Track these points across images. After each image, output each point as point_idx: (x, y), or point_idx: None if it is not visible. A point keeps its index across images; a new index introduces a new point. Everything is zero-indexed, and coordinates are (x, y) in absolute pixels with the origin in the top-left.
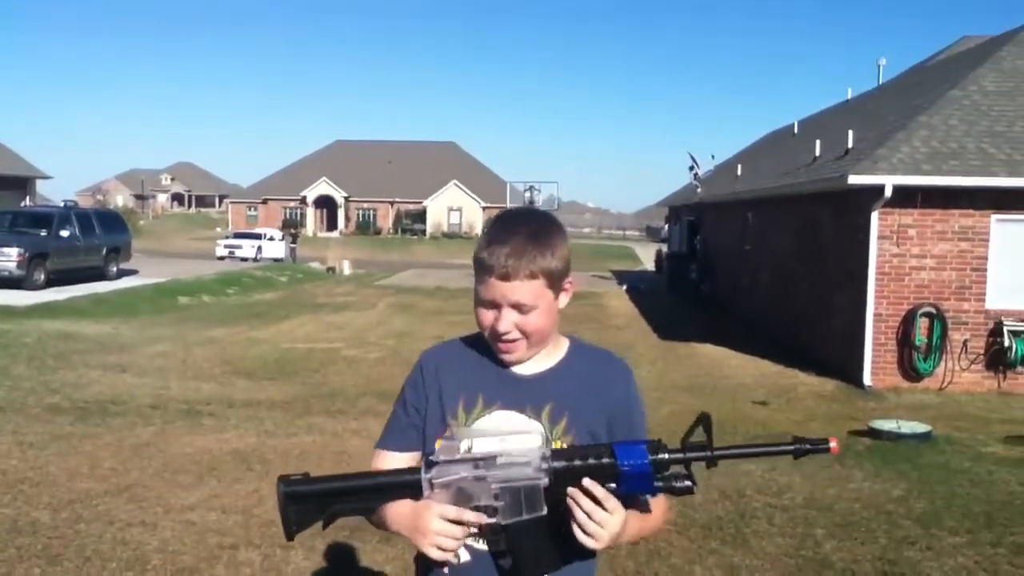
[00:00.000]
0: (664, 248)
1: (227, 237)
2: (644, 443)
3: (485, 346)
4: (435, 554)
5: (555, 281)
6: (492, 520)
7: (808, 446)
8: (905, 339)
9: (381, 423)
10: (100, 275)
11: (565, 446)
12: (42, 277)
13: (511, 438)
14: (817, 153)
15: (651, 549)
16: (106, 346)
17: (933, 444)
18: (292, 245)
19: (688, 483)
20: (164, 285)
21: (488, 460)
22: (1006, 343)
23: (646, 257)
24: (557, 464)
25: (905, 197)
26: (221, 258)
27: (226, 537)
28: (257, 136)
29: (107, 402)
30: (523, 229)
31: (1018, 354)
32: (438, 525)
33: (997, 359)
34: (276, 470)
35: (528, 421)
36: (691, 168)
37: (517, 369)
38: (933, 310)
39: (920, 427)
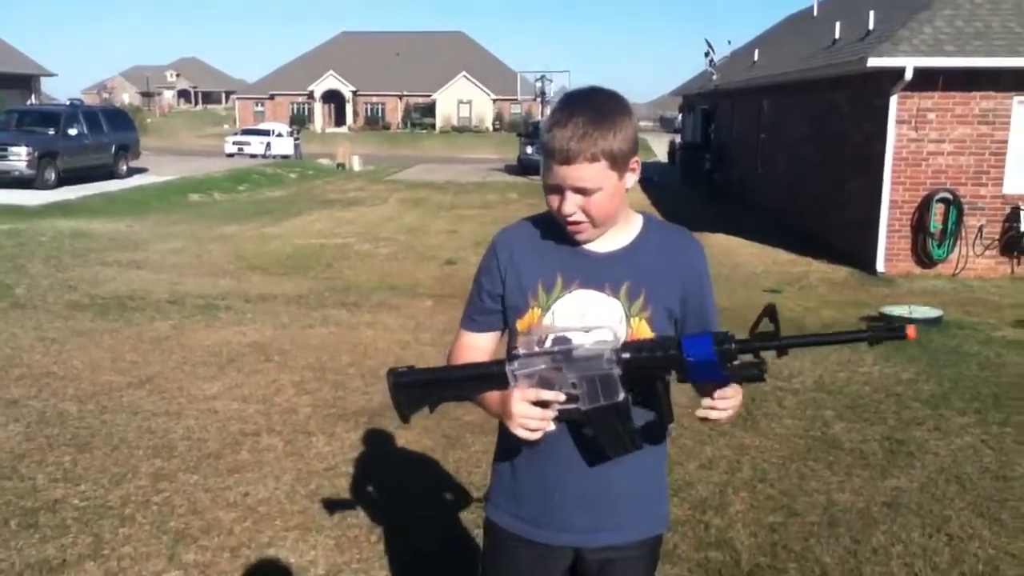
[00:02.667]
0: (678, 139)
1: (235, 134)
2: (710, 335)
3: (557, 224)
4: (523, 434)
5: (619, 162)
6: (574, 405)
7: (885, 332)
8: (920, 225)
9: (395, 316)
10: (110, 174)
11: (644, 321)
12: (53, 176)
13: (587, 334)
14: (837, 36)
15: None
16: (121, 244)
17: (944, 329)
18: (297, 141)
19: (756, 371)
20: (174, 183)
21: (564, 353)
22: (1022, 228)
23: (659, 148)
24: (627, 355)
25: (926, 80)
26: (230, 155)
27: (248, 424)
28: (262, 29)
29: (125, 298)
30: (584, 110)
31: None
32: (521, 408)
33: (1012, 244)
34: (294, 361)
35: (607, 299)
36: (707, 55)
37: (592, 247)
38: (949, 196)
39: (931, 312)
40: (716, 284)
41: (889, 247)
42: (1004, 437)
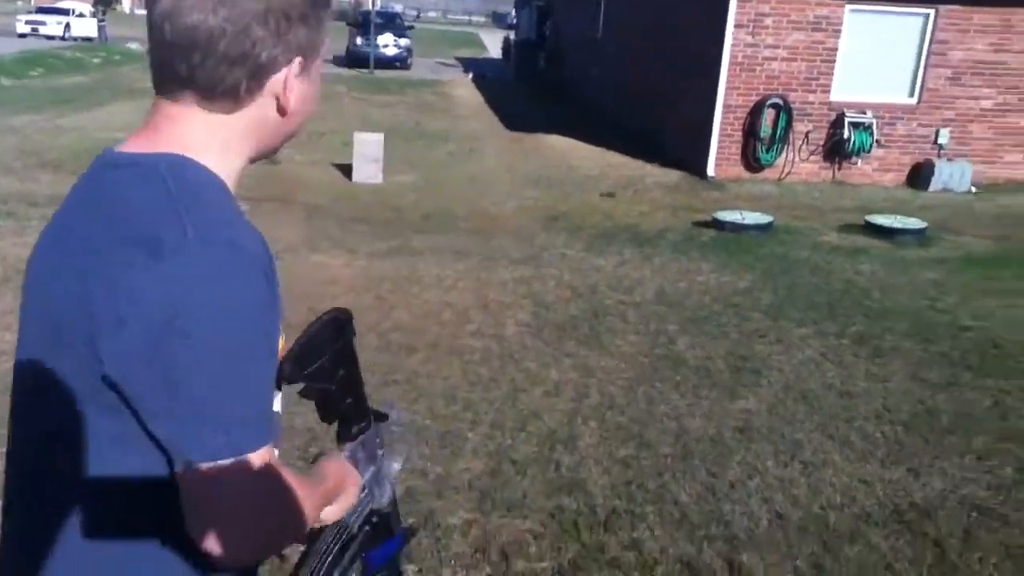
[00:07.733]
0: (512, 35)
1: (29, 12)
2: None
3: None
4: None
5: None
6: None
7: None
8: (751, 130)
9: None
10: None
11: None
12: None
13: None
14: None
15: (505, 353)
16: None
17: (774, 235)
18: (102, 22)
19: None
20: None
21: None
22: (845, 135)
23: (492, 44)
24: None
25: None
26: (22, 35)
27: None
28: None
29: None
30: None
31: (855, 145)
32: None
33: (835, 150)
34: None
35: None
36: None
37: None
38: (780, 101)
39: (763, 218)
40: (551, 188)
41: (720, 152)
42: (842, 350)
